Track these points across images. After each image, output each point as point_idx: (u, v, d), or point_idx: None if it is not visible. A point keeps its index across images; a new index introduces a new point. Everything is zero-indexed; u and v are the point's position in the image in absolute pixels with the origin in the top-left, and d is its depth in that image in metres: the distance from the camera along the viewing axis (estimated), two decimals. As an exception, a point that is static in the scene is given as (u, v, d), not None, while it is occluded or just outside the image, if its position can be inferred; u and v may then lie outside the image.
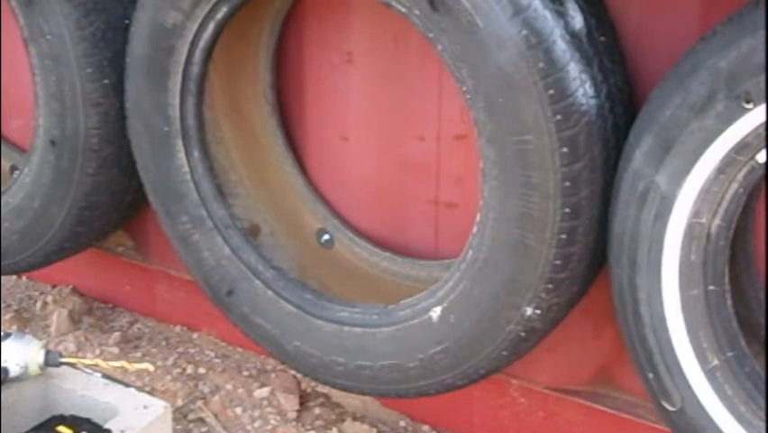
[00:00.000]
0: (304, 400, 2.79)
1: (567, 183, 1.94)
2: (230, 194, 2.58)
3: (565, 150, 1.91)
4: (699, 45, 1.82)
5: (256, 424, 2.72)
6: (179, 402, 2.78)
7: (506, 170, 1.99)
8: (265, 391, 2.81)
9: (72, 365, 2.31)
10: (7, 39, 2.93)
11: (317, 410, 2.76)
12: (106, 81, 2.56)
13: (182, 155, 2.50)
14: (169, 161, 2.52)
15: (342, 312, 2.40)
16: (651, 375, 1.99)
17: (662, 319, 1.93)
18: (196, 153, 2.51)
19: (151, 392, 2.58)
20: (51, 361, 2.25)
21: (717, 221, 1.84)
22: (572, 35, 1.91)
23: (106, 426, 2.16)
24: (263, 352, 2.73)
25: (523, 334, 2.12)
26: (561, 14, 1.90)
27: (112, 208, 2.78)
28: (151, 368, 2.44)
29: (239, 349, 3.02)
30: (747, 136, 1.74)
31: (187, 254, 2.57)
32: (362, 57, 2.48)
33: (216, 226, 2.52)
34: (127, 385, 2.30)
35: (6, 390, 2.21)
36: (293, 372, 2.78)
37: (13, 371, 2.23)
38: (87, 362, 2.35)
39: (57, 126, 2.62)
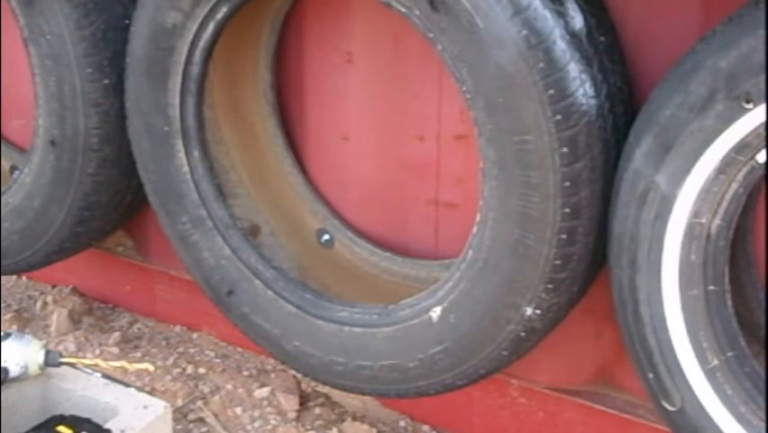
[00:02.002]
0: (304, 400, 2.79)
1: (567, 183, 1.94)
2: (230, 194, 2.58)
3: (565, 150, 1.91)
4: (699, 45, 1.82)
5: (256, 424, 2.72)
6: (179, 402, 2.78)
7: (506, 170, 1.99)
8: (265, 391, 2.81)
9: (72, 365, 2.31)
10: (7, 39, 2.93)
11: (317, 410, 2.76)
12: (106, 81, 2.56)
13: (182, 155, 2.50)
14: (169, 161, 2.52)
15: (342, 312, 2.40)
16: (651, 375, 1.99)
17: (663, 319, 1.93)
18: (196, 153, 2.51)
19: (151, 392, 2.58)
20: (51, 361, 2.25)
21: (717, 221, 1.84)
22: (572, 35, 1.91)
23: (106, 426, 2.16)
24: (263, 352, 2.73)
25: (523, 334, 2.12)
26: (561, 14, 1.90)
27: (112, 208, 2.78)
28: (151, 368, 2.44)
29: (239, 349, 3.02)
30: (747, 136, 1.74)
31: (187, 254, 2.57)
32: (362, 57, 2.48)
33: (216, 226, 2.52)
34: (127, 385, 2.30)
35: (6, 390, 2.21)
36: (293, 372, 2.78)
37: (13, 371, 2.22)
38: (87, 362, 2.35)
39: (57, 126, 2.63)
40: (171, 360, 2.99)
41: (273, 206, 2.64)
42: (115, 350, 3.02)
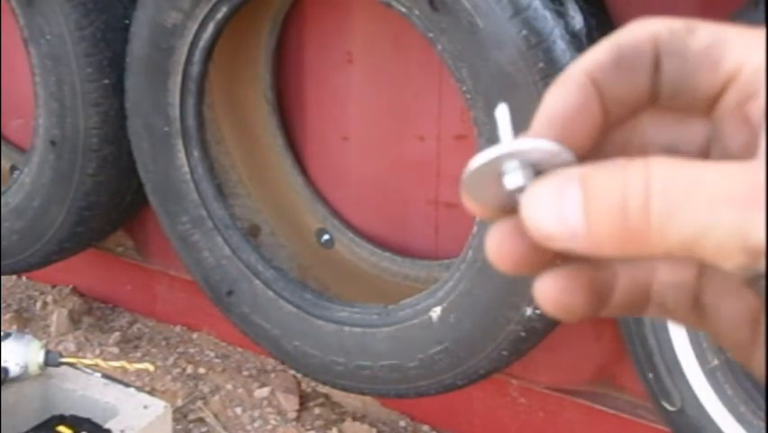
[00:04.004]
0: (304, 400, 2.79)
1: (567, 183, 1.93)
2: (230, 194, 2.58)
3: (565, 150, 1.91)
4: (699, 45, 1.82)
5: (256, 424, 2.72)
6: (179, 402, 2.78)
7: (506, 170, 1.99)
8: (265, 391, 2.81)
9: (72, 365, 2.30)
10: (7, 39, 2.93)
11: (317, 410, 2.76)
12: (106, 81, 2.56)
13: (182, 155, 2.50)
14: (169, 161, 2.52)
15: (342, 312, 2.40)
16: (651, 375, 1.99)
17: (663, 319, 1.93)
18: (196, 153, 2.51)
19: (151, 392, 2.58)
20: (51, 361, 2.25)
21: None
22: (572, 35, 1.91)
23: (106, 426, 2.16)
24: (263, 352, 2.73)
25: (523, 334, 2.12)
26: (561, 14, 1.91)
27: (112, 208, 2.78)
28: (151, 368, 2.44)
29: (239, 349, 3.02)
30: (747, 136, 1.74)
31: (187, 254, 2.57)
32: (362, 57, 2.48)
33: (216, 226, 2.52)
34: (127, 385, 2.29)
35: (6, 390, 2.21)
36: (293, 372, 2.78)
37: (13, 371, 2.22)
38: (87, 362, 2.35)
39: (57, 126, 2.62)
40: (171, 360, 2.99)
41: (273, 206, 2.64)
42: (115, 350, 3.02)
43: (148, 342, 3.10)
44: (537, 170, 0.44)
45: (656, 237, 0.41)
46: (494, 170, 0.45)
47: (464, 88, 1.99)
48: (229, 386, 2.86)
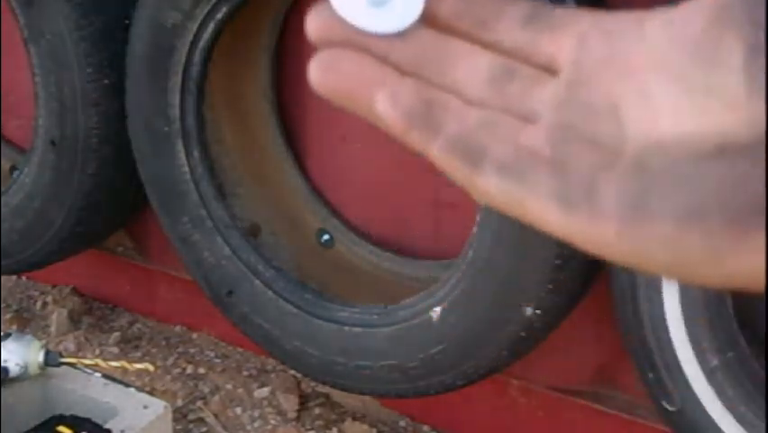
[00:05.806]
0: (304, 400, 2.79)
1: (567, 183, 1.93)
2: (230, 194, 2.58)
3: (565, 150, 1.91)
4: (699, 45, 1.82)
5: (256, 424, 2.72)
6: (179, 402, 2.78)
7: (506, 170, 1.99)
8: (265, 391, 2.81)
9: (72, 365, 2.30)
10: (7, 39, 2.93)
11: (317, 410, 2.76)
12: (106, 81, 2.56)
13: (182, 155, 2.50)
14: (169, 161, 2.52)
15: (342, 312, 2.40)
16: (651, 375, 1.99)
17: (663, 319, 1.93)
18: (196, 153, 2.51)
19: (151, 392, 2.58)
20: (51, 361, 2.25)
21: (717, 221, 1.84)
22: (572, 35, 1.91)
23: (106, 426, 2.16)
24: (263, 352, 2.73)
25: (523, 334, 2.12)
26: (561, 14, 1.90)
27: (112, 208, 2.78)
28: (151, 368, 2.44)
29: (239, 349, 3.02)
30: (747, 136, 1.74)
31: (187, 254, 2.57)
32: (362, 57, 2.47)
33: (216, 226, 2.52)
34: (127, 385, 2.29)
35: (6, 390, 2.21)
36: (293, 372, 2.78)
37: (13, 371, 2.22)
38: (87, 362, 2.35)
39: (57, 126, 2.62)
40: (171, 360, 2.99)
41: (273, 206, 2.64)
42: (115, 350, 3.02)
43: (148, 342, 3.10)
44: None
45: None
46: None
47: (464, 88, 1.99)
48: (229, 386, 2.86)
